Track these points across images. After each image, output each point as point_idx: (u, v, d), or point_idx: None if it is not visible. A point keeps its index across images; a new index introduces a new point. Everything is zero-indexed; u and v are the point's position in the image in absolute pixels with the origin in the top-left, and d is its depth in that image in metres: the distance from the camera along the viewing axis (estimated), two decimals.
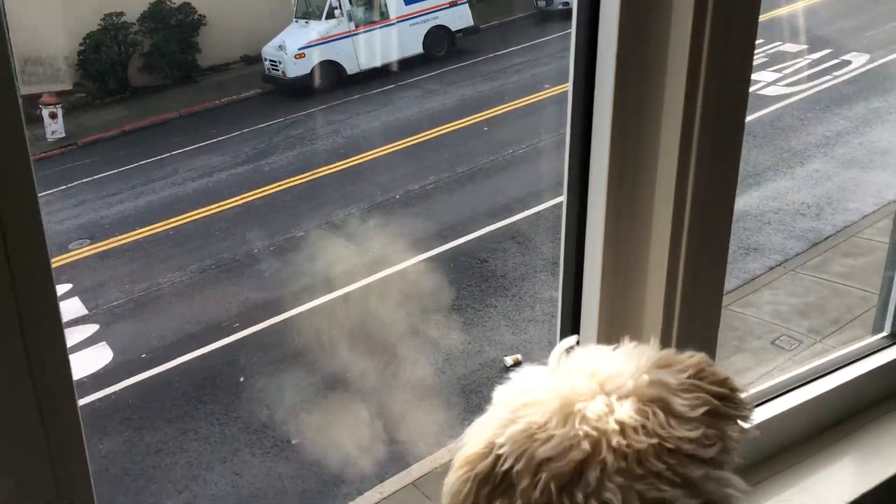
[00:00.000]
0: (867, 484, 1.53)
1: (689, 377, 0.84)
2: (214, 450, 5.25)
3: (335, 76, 11.62)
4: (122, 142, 10.48)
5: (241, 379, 5.82)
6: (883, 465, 1.56)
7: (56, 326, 0.99)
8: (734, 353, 5.47)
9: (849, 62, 10.11)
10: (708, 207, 1.30)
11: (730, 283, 6.03)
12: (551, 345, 0.92)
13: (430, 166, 8.86)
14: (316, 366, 5.86)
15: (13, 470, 1.01)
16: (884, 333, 1.81)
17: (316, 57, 11.62)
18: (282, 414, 5.43)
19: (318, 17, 11.92)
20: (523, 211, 7.67)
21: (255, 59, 12.07)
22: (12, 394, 0.98)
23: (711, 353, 1.41)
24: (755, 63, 1.32)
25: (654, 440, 0.78)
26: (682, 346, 0.91)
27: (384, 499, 4.82)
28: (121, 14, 11.58)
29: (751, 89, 1.30)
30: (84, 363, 6.02)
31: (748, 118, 1.33)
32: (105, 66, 11.52)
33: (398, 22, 12.14)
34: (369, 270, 6.87)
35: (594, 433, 0.78)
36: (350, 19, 11.85)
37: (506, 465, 0.80)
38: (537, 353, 5.66)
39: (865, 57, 10.18)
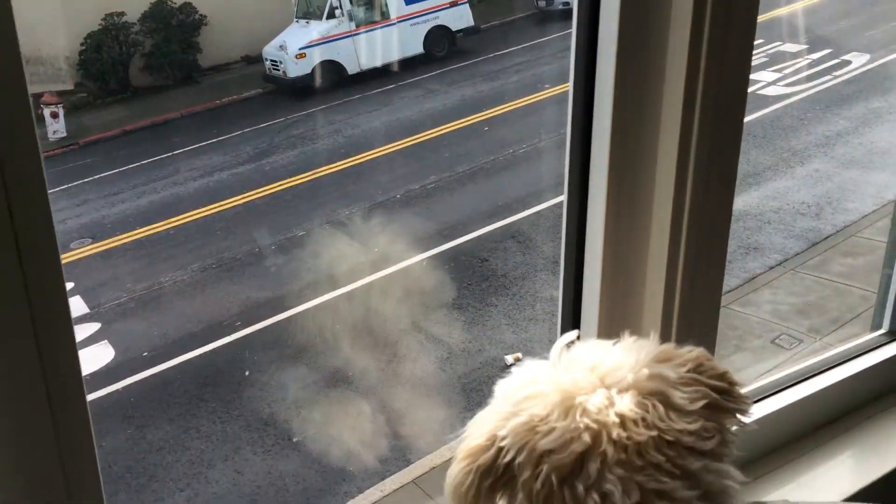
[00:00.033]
0: (866, 479, 1.54)
1: (688, 371, 0.86)
2: (216, 448, 5.26)
3: (336, 76, 11.62)
4: (123, 141, 10.47)
5: (247, 373, 5.84)
6: (881, 461, 1.57)
7: (67, 326, 1.00)
8: (734, 352, 5.47)
9: (849, 62, 10.10)
10: (707, 206, 1.31)
11: (730, 282, 6.04)
12: (552, 343, 0.93)
13: (430, 166, 8.87)
14: (316, 364, 5.87)
15: (24, 468, 1.02)
16: (882, 330, 1.82)
17: (317, 57, 11.61)
18: (283, 412, 5.45)
19: (319, 17, 11.92)
20: (524, 210, 7.68)
21: (256, 60, 12.06)
22: (25, 394, 0.99)
23: (710, 350, 1.42)
24: (755, 63, 1.34)
25: (654, 432, 0.79)
26: (681, 344, 0.92)
27: (385, 497, 4.82)
28: (122, 14, 11.58)
29: (751, 89, 1.31)
30: (86, 361, 5.98)
31: (748, 118, 1.35)
32: (106, 65, 11.52)
33: (399, 22, 12.13)
34: (370, 270, 6.88)
35: (595, 426, 0.80)
36: (351, 19, 11.85)
37: (508, 457, 0.82)
38: (538, 352, 5.61)
39: (865, 57, 10.18)
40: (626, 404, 0.81)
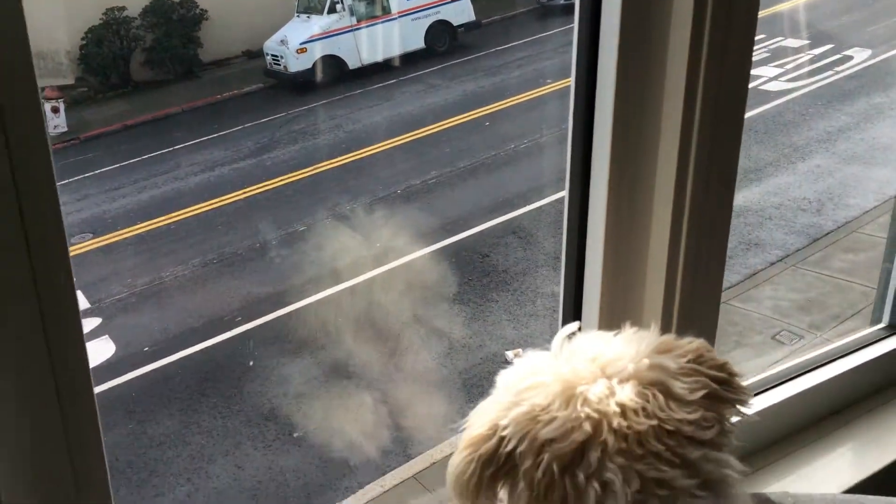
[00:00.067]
0: (865, 471, 1.55)
1: (688, 362, 0.86)
2: (216, 443, 5.27)
3: (337, 71, 11.61)
4: (124, 136, 10.47)
5: (251, 363, 5.85)
6: (881, 453, 1.58)
7: (75, 321, 1.02)
8: (735, 348, 5.48)
9: (851, 57, 10.09)
10: (708, 201, 1.32)
11: (730, 278, 6.04)
12: (552, 339, 0.94)
13: (431, 161, 8.87)
14: (316, 360, 5.88)
15: (33, 462, 1.03)
16: (882, 324, 1.83)
17: (318, 52, 11.60)
18: (284, 407, 5.46)
19: (320, 12, 11.90)
20: (525, 206, 7.68)
21: (257, 54, 12.05)
22: (35, 388, 1.00)
23: (711, 344, 1.43)
24: (757, 58, 1.34)
25: (654, 422, 0.80)
26: (681, 337, 0.93)
27: (385, 492, 4.84)
28: (122, 9, 11.56)
29: (752, 84, 1.32)
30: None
31: (750, 113, 1.35)
32: (107, 60, 11.51)
33: (400, 17, 12.12)
34: (371, 265, 6.88)
35: (595, 415, 0.80)
36: (352, 14, 11.83)
37: (509, 447, 0.82)
38: (539, 348, 5.66)
39: (867, 52, 10.16)
40: (627, 394, 0.81)
